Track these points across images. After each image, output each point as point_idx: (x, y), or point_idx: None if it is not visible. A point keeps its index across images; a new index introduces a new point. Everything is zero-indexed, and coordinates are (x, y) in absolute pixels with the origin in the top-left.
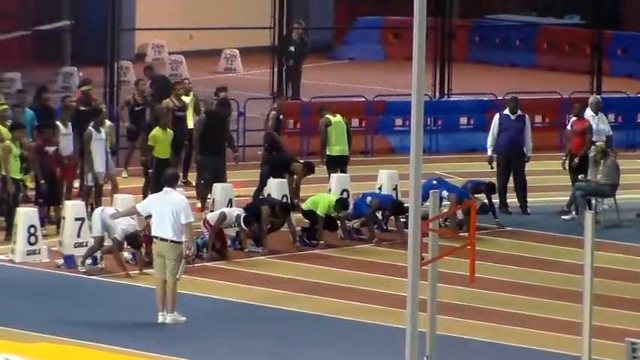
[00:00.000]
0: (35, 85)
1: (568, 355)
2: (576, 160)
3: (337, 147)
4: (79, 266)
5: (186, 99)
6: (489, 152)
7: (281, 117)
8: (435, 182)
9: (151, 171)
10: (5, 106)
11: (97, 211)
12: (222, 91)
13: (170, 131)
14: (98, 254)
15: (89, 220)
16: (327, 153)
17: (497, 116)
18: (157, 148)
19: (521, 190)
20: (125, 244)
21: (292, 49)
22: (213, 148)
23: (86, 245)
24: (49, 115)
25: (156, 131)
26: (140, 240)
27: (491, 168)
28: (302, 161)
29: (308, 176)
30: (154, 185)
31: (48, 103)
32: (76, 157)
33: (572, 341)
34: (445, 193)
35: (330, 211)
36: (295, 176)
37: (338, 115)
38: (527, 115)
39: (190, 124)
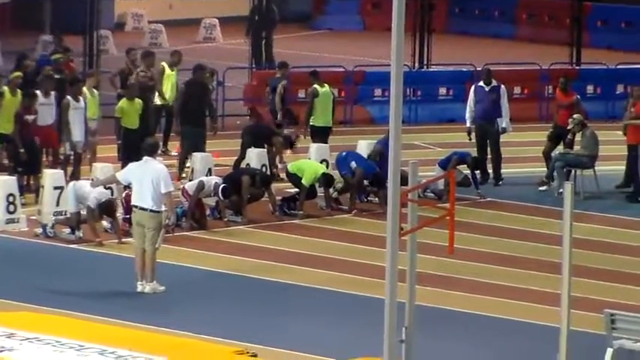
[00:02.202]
0: (14, 53)
1: (547, 326)
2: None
3: (322, 118)
4: (49, 229)
5: (169, 72)
6: (468, 124)
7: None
8: (344, 154)
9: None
10: None
11: (69, 186)
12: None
13: (138, 101)
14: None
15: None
16: (312, 123)
17: (472, 88)
18: (124, 119)
19: (494, 161)
20: (99, 212)
21: (257, 17)
22: (192, 117)
23: (65, 214)
24: (29, 84)
25: (122, 102)
26: (114, 207)
27: (469, 139)
28: (283, 135)
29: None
30: (122, 155)
31: (27, 71)
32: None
33: (551, 312)
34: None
35: (313, 182)
36: (274, 149)
37: (326, 86)
38: (502, 86)
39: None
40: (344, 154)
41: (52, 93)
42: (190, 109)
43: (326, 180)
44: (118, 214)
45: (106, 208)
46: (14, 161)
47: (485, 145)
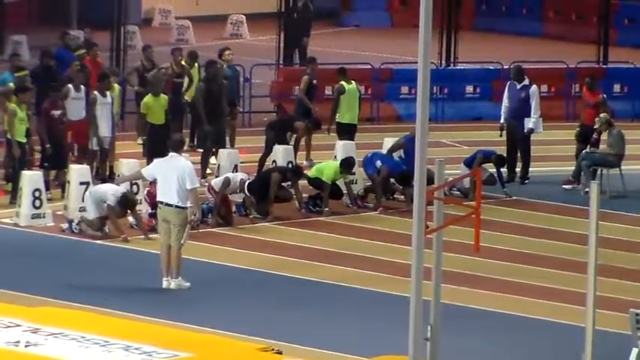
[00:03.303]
0: (41, 48)
1: (572, 325)
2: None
3: (348, 115)
4: (74, 225)
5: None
6: (501, 120)
7: (315, 82)
8: (370, 154)
9: (144, 138)
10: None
11: (86, 194)
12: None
13: (164, 97)
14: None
15: (93, 184)
16: (337, 120)
17: (507, 84)
18: (150, 115)
19: (522, 160)
20: (119, 208)
21: (295, 15)
22: (211, 114)
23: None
24: (51, 79)
25: (147, 98)
26: (131, 200)
27: (500, 136)
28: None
29: (314, 132)
30: (148, 151)
31: (51, 65)
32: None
33: (576, 311)
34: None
35: (336, 177)
36: (295, 135)
37: (353, 82)
38: (534, 86)
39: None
40: (370, 154)
41: (83, 87)
42: (209, 105)
43: (347, 164)
44: (142, 210)
45: (124, 202)
46: (41, 156)
47: (515, 143)
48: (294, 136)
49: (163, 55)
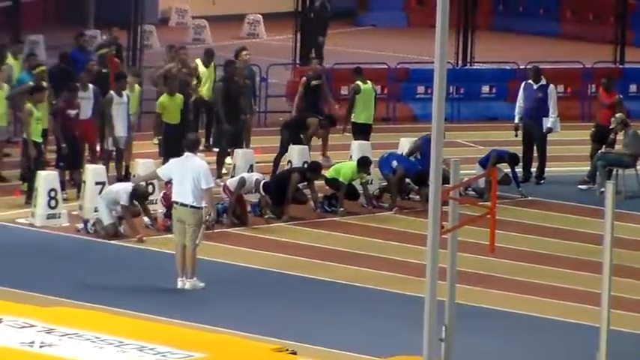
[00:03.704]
0: (58, 48)
1: (587, 326)
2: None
3: (363, 115)
4: (90, 226)
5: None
6: (516, 120)
7: (312, 82)
8: (386, 155)
9: (160, 138)
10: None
11: (98, 198)
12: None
13: (179, 96)
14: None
15: (109, 184)
16: (353, 120)
17: (522, 84)
18: (165, 115)
19: (539, 160)
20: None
21: (311, 15)
22: (229, 114)
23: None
24: (67, 79)
25: (162, 98)
26: (142, 191)
27: (516, 136)
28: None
29: (330, 130)
30: (164, 151)
31: (68, 66)
32: (96, 119)
33: (590, 311)
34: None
35: (353, 177)
36: (309, 131)
37: (369, 82)
38: (551, 86)
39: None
40: (386, 154)
41: (90, 86)
42: (227, 105)
43: (363, 162)
44: (158, 211)
45: (135, 195)
46: (57, 156)
47: (531, 143)
48: (308, 132)
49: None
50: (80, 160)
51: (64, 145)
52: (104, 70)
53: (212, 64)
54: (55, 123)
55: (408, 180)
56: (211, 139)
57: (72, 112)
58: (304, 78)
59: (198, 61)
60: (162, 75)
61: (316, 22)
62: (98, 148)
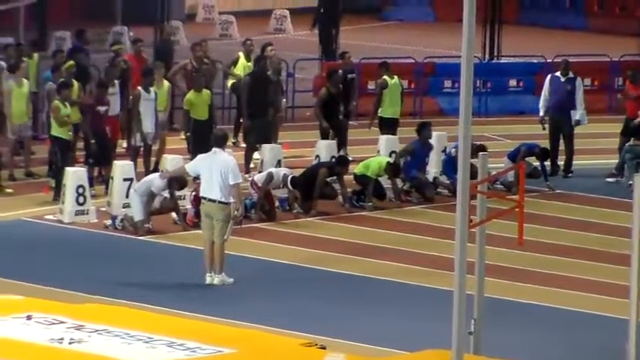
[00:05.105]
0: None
1: (616, 318)
2: (637, 122)
3: (390, 109)
4: (118, 222)
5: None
6: (541, 113)
7: (348, 76)
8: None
9: (189, 134)
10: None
11: (131, 193)
12: (262, 59)
13: (206, 92)
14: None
15: (137, 180)
16: (380, 115)
17: (548, 77)
18: (193, 111)
19: (567, 153)
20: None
21: (322, 10)
22: (257, 109)
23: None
24: (83, 75)
25: (189, 94)
26: (182, 180)
27: (543, 129)
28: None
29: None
30: (192, 147)
31: (82, 62)
32: (122, 116)
33: (619, 304)
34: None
35: (380, 173)
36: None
37: (395, 77)
38: (579, 78)
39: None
40: (406, 165)
41: (116, 82)
42: (255, 101)
43: (393, 168)
44: (187, 206)
45: (178, 183)
46: (85, 153)
47: (559, 136)
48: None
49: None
50: (109, 156)
51: (92, 142)
52: (124, 67)
53: (252, 58)
54: (84, 119)
55: (437, 175)
56: (240, 135)
57: (102, 109)
58: (324, 90)
59: (241, 54)
60: (177, 72)
61: (328, 17)
62: (125, 144)
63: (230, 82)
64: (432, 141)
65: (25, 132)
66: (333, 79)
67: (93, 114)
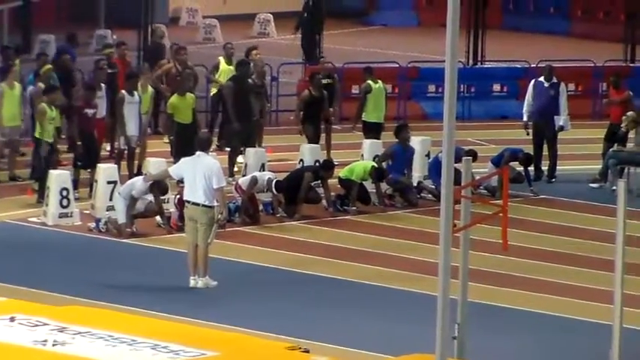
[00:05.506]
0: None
1: (599, 324)
2: (622, 128)
3: (374, 114)
4: (101, 225)
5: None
6: (525, 118)
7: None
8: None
9: (172, 137)
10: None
11: (115, 196)
12: (253, 50)
13: (190, 96)
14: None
15: (121, 183)
16: (363, 119)
17: (532, 82)
18: (177, 114)
19: (550, 159)
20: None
21: (306, 15)
22: (240, 113)
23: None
24: (68, 77)
25: (173, 98)
26: (163, 186)
27: (527, 134)
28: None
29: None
30: (176, 150)
31: (67, 64)
32: (106, 119)
33: (603, 309)
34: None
35: (365, 177)
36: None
37: (379, 82)
38: (562, 84)
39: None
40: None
41: (103, 86)
42: (237, 105)
43: (378, 173)
44: (170, 210)
45: (159, 188)
46: (73, 155)
47: (542, 141)
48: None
49: (191, 54)
50: (96, 159)
51: (79, 144)
52: (110, 71)
53: (233, 62)
54: (71, 122)
55: (421, 180)
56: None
57: (90, 112)
58: (306, 92)
59: (221, 59)
60: (161, 75)
61: (312, 22)
62: (109, 147)
63: (213, 90)
64: (416, 145)
65: (15, 135)
66: (315, 81)
67: (80, 116)
